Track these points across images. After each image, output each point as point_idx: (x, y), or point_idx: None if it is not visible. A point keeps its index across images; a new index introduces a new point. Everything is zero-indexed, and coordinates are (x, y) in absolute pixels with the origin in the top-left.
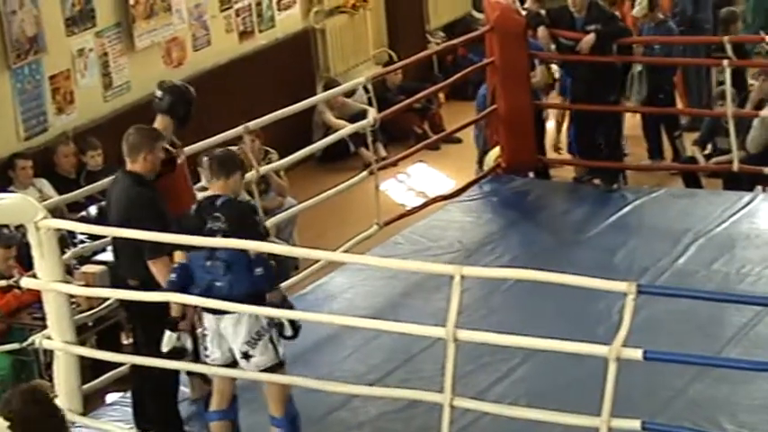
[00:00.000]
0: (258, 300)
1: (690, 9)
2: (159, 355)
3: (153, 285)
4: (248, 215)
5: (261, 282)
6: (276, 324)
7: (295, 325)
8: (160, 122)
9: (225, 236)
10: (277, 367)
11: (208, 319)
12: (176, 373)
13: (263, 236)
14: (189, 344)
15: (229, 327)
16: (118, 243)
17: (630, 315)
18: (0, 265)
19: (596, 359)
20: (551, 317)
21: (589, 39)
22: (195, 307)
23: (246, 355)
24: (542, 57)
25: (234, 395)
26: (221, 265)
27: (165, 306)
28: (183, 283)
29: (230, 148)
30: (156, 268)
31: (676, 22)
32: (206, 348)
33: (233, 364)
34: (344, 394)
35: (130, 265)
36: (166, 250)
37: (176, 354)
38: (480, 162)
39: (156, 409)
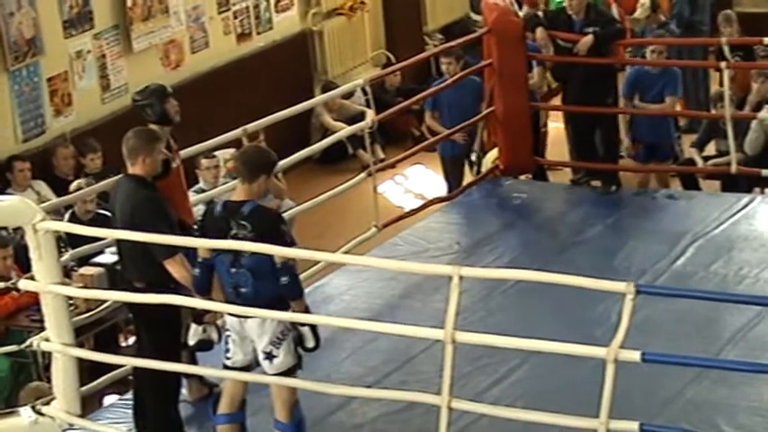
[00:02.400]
0: (282, 303)
1: (687, 11)
2: (163, 356)
3: (160, 287)
4: (276, 226)
5: (286, 291)
6: (297, 336)
7: (317, 336)
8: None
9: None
10: (294, 370)
11: (231, 320)
12: (178, 375)
13: (289, 247)
14: (215, 336)
15: (255, 327)
16: (123, 246)
17: (629, 316)
18: None
19: (594, 361)
20: (550, 319)
21: (587, 40)
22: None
23: (270, 356)
24: (540, 59)
25: (243, 399)
26: (246, 273)
27: (171, 307)
28: (207, 279)
29: (258, 145)
30: (173, 267)
31: (673, 25)
32: (227, 351)
33: (250, 367)
34: (342, 396)
35: (136, 267)
36: (180, 249)
37: (203, 346)
38: (478, 165)
39: (156, 411)
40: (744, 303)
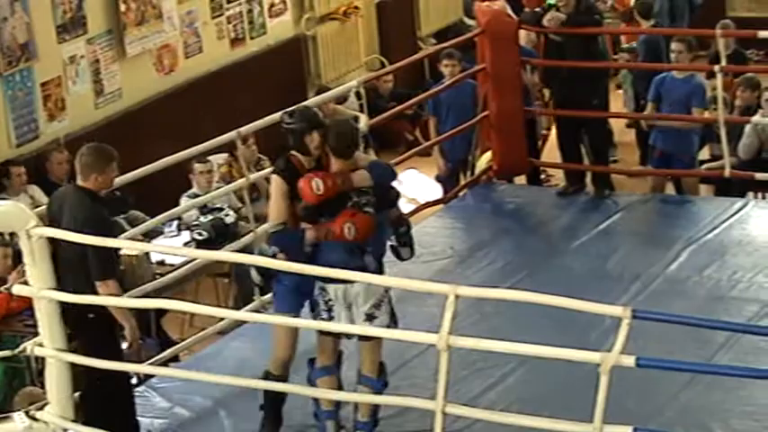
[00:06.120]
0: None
1: (666, 21)
2: (102, 357)
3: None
4: (393, 185)
5: (404, 238)
6: (397, 247)
7: (412, 244)
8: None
9: (374, 208)
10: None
11: (333, 289)
12: (128, 376)
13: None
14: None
15: (361, 291)
16: (64, 257)
17: (624, 338)
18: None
19: (589, 365)
20: (544, 322)
21: (556, 15)
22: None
23: (371, 317)
24: (533, 63)
25: (340, 352)
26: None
27: (102, 308)
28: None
29: (344, 121)
30: (106, 290)
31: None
32: (331, 318)
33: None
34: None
35: (74, 279)
36: (116, 272)
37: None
38: (472, 167)
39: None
40: (746, 333)
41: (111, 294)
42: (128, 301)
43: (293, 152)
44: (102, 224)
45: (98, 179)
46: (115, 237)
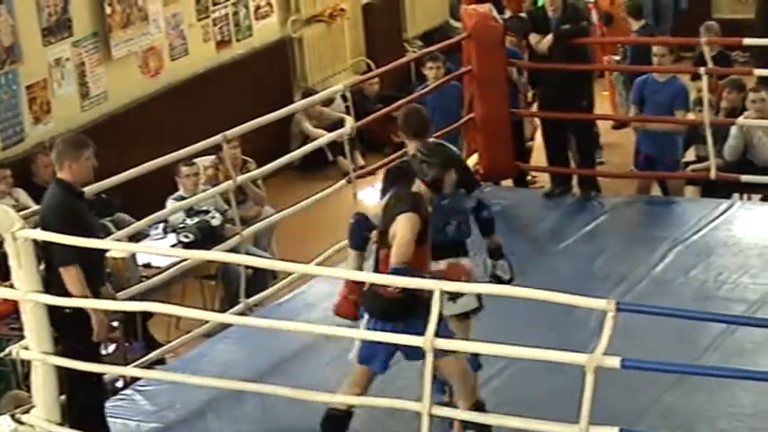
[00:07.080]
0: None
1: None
2: (81, 357)
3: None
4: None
5: (487, 224)
6: (494, 275)
7: (512, 267)
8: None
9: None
10: (477, 311)
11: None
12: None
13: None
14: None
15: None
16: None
17: (609, 332)
18: None
19: (575, 367)
20: (530, 323)
21: (546, 41)
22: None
23: (454, 296)
24: (519, 66)
25: None
26: (458, 216)
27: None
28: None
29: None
30: (68, 276)
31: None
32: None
33: None
34: (323, 403)
35: (49, 270)
36: (77, 259)
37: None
38: None
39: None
40: (729, 323)
41: (75, 281)
42: (113, 304)
43: (418, 185)
44: (68, 211)
45: (72, 167)
46: (82, 225)
